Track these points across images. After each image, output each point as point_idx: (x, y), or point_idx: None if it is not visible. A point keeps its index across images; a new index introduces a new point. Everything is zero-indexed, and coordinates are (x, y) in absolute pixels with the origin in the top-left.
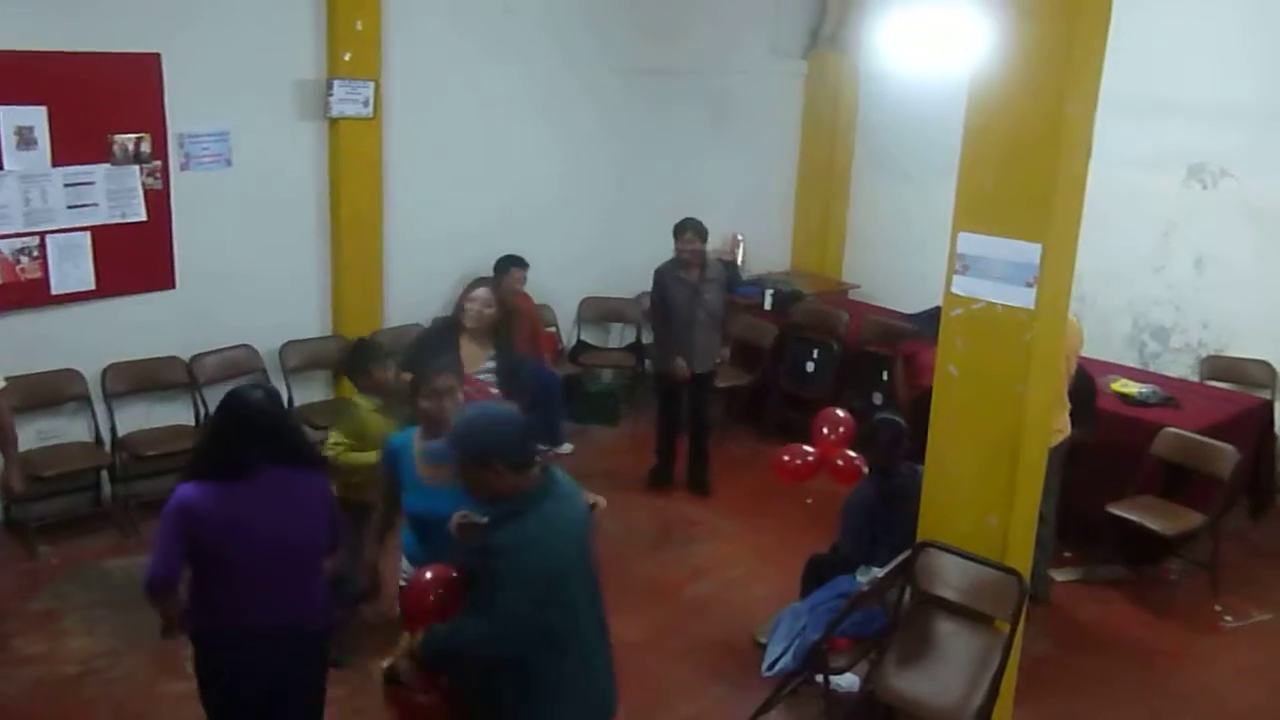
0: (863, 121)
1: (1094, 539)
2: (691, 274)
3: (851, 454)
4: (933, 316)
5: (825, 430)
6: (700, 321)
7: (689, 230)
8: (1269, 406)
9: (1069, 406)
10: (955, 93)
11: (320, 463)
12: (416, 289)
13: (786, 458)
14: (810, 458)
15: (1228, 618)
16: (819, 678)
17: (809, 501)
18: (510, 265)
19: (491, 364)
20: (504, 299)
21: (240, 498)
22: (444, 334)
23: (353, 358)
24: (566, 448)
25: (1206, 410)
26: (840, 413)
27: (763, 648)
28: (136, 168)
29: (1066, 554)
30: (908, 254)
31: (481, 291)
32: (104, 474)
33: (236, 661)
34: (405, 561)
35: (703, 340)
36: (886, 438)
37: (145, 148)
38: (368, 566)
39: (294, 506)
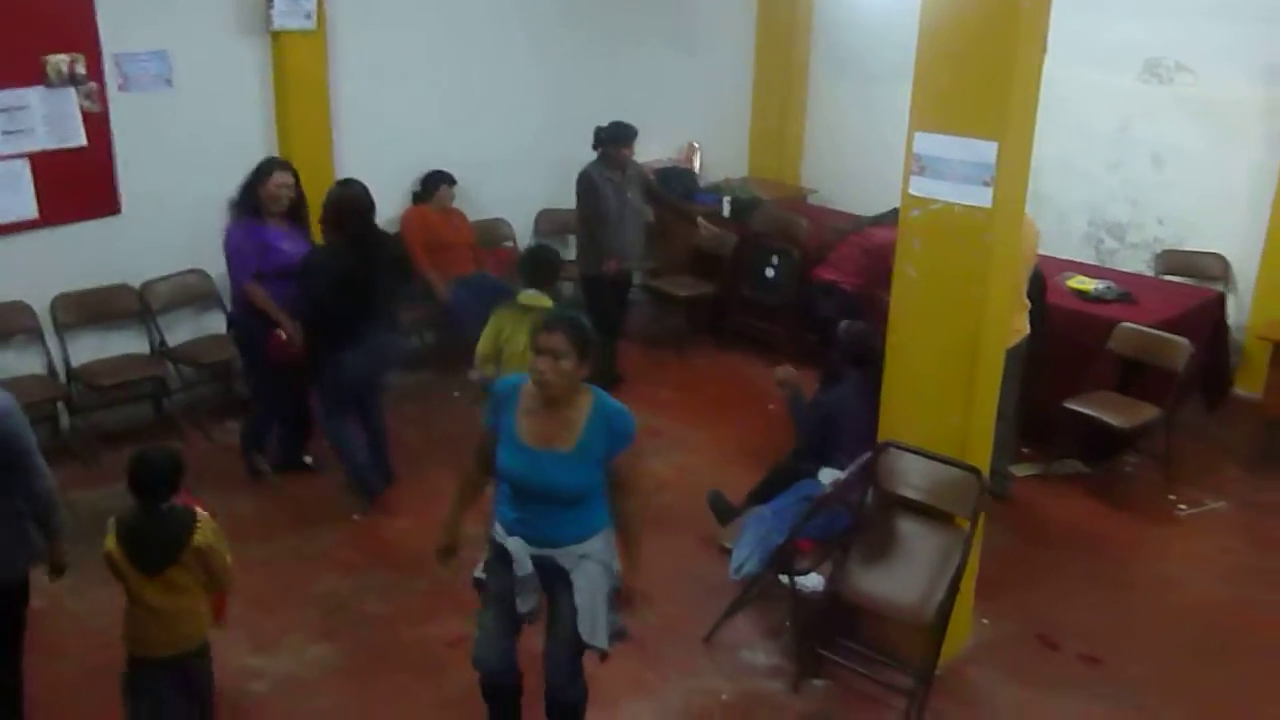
0: (819, 22)
1: (1052, 435)
2: (616, 174)
3: None
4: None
5: None
6: (629, 220)
7: (629, 139)
8: (1222, 299)
9: (1028, 306)
10: None
11: None
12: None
13: None
14: None
15: (1182, 507)
16: (784, 579)
17: (771, 408)
18: (439, 181)
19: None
20: (438, 213)
21: None
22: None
23: (545, 266)
24: None
25: (1162, 305)
26: None
27: (729, 553)
28: (73, 90)
29: (1025, 450)
30: (866, 156)
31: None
32: (60, 406)
33: None
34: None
35: (632, 240)
36: (846, 339)
37: (80, 69)
38: (449, 526)
39: None
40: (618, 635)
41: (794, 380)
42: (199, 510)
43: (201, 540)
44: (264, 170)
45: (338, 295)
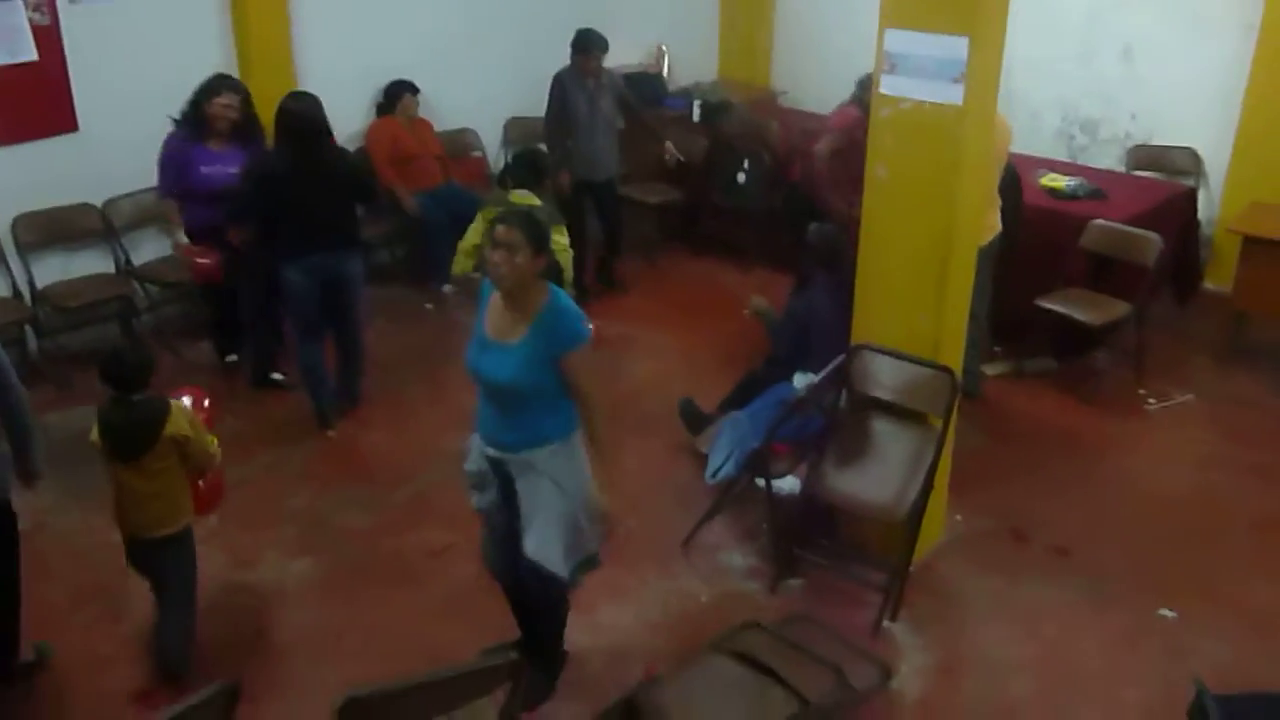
0: None
1: (1024, 333)
2: (589, 82)
3: None
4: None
5: None
6: (599, 128)
7: (596, 48)
8: (1193, 193)
9: (999, 204)
10: None
11: None
12: (331, 122)
13: None
14: None
15: (1150, 400)
16: (760, 482)
17: (745, 313)
18: (402, 91)
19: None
20: (403, 125)
21: None
22: None
23: (535, 167)
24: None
25: (1133, 200)
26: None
27: (705, 458)
28: (19, 3)
29: (997, 349)
30: (837, 55)
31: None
32: (27, 329)
33: None
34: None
35: (602, 147)
36: (816, 242)
37: None
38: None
39: None
40: (585, 564)
41: (766, 308)
42: (173, 401)
43: (174, 430)
44: (210, 88)
45: (270, 207)
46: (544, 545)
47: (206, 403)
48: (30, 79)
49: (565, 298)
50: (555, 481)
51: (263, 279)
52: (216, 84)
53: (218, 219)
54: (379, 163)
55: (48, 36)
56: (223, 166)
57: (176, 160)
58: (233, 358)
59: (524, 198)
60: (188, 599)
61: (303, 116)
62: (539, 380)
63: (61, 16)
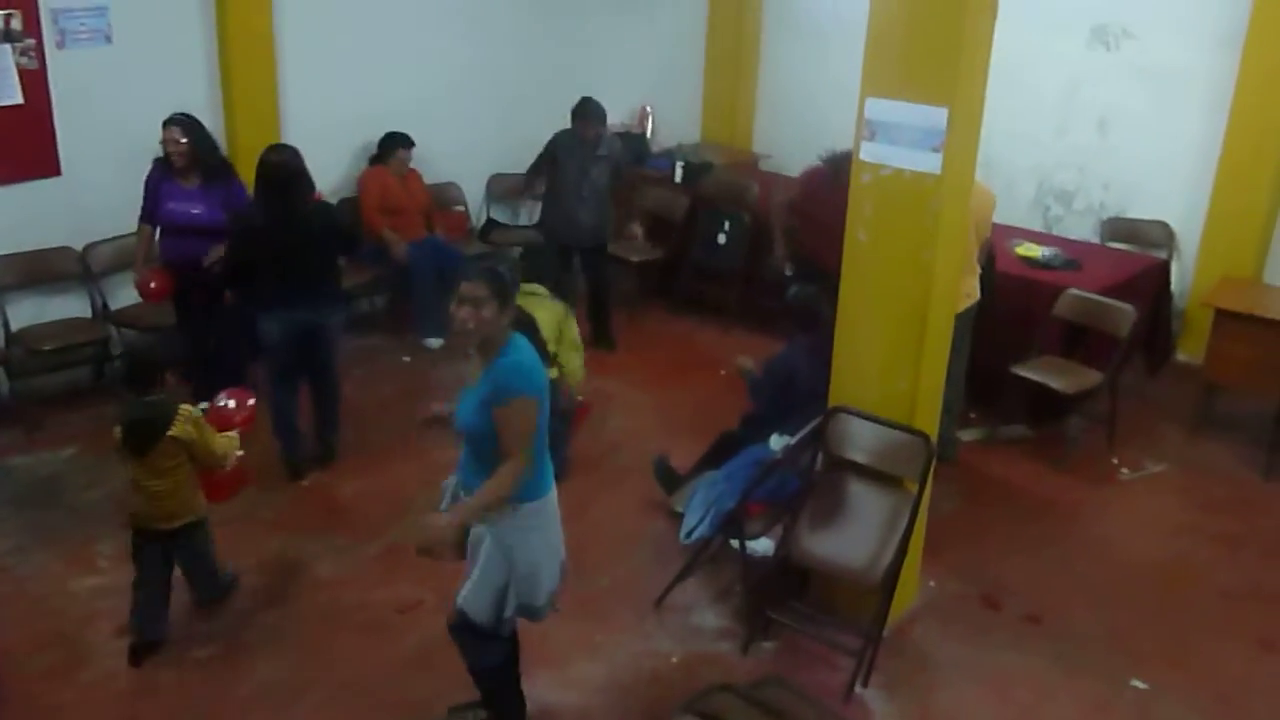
0: None
1: (998, 399)
2: (585, 148)
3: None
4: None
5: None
6: (584, 197)
7: (592, 118)
8: (1166, 266)
9: (979, 271)
10: None
11: None
12: (315, 170)
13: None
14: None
15: (1124, 470)
16: (735, 543)
17: (723, 373)
18: (396, 145)
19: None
20: (394, 177)
21: None
22: None
23: (540, 262)
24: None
25: (1107, 271)
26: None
27: (680, 517)
28: (8, 47)
29: (972, 415)
30: (818, 121)
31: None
32: (0, 371)
33: None
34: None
35: (588, 214)
36: (795, 304)
37: (16, 25)
38: None
39: None
40: (525, 613)
41: (750, 368)
42: (182, 406)
43: (179, 432)
44: (163, 124)
45: (248, 257)
46: (471, 598)
47: (250, 402)
48: (15, 122)
49: (521, 352)
50: (500, 543)
51: (235, 324)
52: (167, 120)
53: (185, 252)
54: (368, 210)
55: (35, 81)
56: (187, 205)
57: (147, 190)
58: (203, 406)
59: (533, 288)
60: (208, 571)
61: (281, 168)
62: (485, 427)
63: (49, 61)
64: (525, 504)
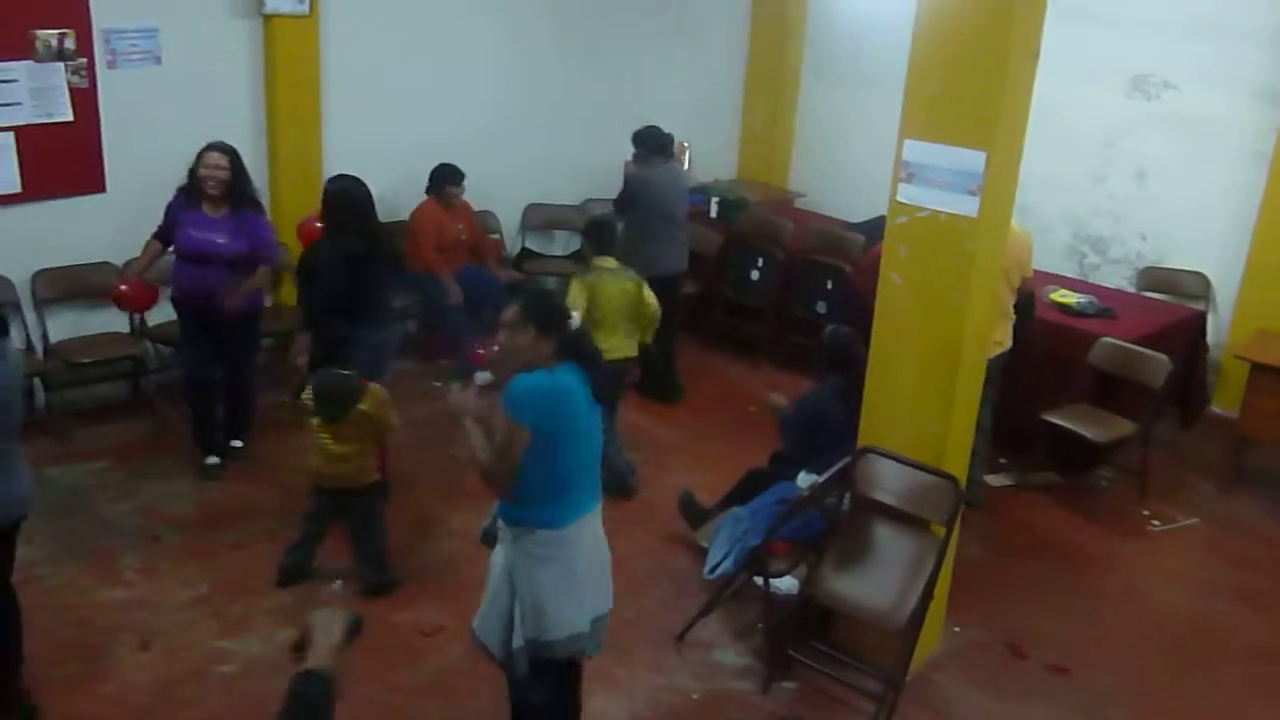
0: (812, 26)
1: (1028, 445)
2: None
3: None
4: (877, 225)
5: None
6: (676, 219)
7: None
8: (1202, 317)
9: (1012, 318)
10: None
11: None
12: None
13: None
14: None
15: (1154, 522)
16: (759, 581)
17: (752, 410)
18: (444, 181)
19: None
20: (446, 211)
21: None
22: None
23: (609, 233)
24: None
25: (1142, 321)
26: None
27: (705, 552)
28: (61, 65)
29: (1001, 460)
30: (855, 161)
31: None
32: (37, 382)
33: None
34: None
35: (671, 241)
36: (829, 343)
37: (70, 44)
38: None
39: None
40: (514, 660)
41: (782, 405)
42: (372, 385)
43: (367, 407)
44: (200, 154)
45: (331, 298)
46: (481, 623)
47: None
48: (65, 139)
49: (544, 379)
50: (507, 568)
51: (247, 358)
52: (209, 146)
53: (203, 282)
54: (425, 248)
55: (85, 99)
56: (211, 233)
57: (170, 214)
58: (214, 459)
59: (605, 262)
60: (374, 546)
61: (357, 196)
62: None
63: (100, 81)
64: (540, 530)
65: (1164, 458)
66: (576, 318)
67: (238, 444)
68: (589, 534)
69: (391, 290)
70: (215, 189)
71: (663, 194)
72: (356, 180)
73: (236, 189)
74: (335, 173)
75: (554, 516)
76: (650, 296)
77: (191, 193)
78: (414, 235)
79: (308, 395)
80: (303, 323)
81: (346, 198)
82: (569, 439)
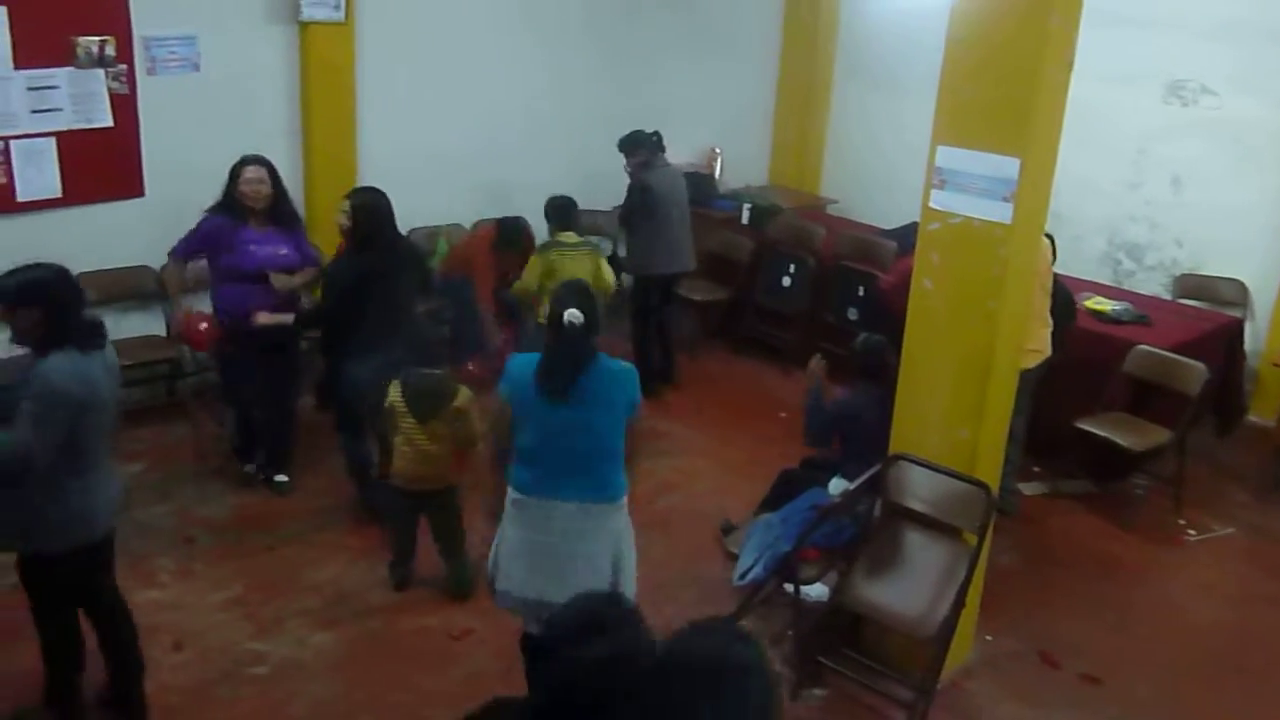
0: (844, 32)
1: (1062, 453)
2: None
3: None
4: (909, 232)
5: None
6: (679, 219)
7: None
8: (1240, 325)
9: (1050, 325)
10: (938, 2)
11: None
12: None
13: None
14: None
15: (1190, 532)
16: (789, 587)
17: (783, 415)
18: (519, 236)
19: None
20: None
21: None
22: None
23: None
24: None
25: (1178, 328)
26: None
27: (734, 558)
28: (101, 71)
29: (1034, 468)
30: (887, 168)
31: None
32: None
33: None
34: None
35: (685, 237)
36: (862, 351)
37: (110, 51)
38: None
39: None
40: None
41: (822, 373)
42: (463, 386)
43: (460, 403)
44: (236, 169)
45: (345, 307)
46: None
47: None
48: (104, 144)
49: (519, 359)
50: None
51: (285, 386)
52: (240, 163)
53: (255, 302)
54: (483, 293)
55: (125, 105)
56: (271, 247)
57: (214, 236)
58: (250, 467)
59: (570, 237)
60: (457, 542)
61: (380, 208)
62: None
63: (139, 87)
64: (511, 492)
65: (1200, 467)
66: (576, 314)
67: (283, 479)
68: (533, 508)
69: (412, 308)
70: (260, 204)
71: (667, 197)
72: (379, 192)
73: (278, 203)
74: (368, 181)
75: (510, 475)
76: (607, 270)
77: (232, 209)
78: (474, 277)
79: (395, 393)
80: (311, 321)
81: (374, 213)
82: (522, 421)
